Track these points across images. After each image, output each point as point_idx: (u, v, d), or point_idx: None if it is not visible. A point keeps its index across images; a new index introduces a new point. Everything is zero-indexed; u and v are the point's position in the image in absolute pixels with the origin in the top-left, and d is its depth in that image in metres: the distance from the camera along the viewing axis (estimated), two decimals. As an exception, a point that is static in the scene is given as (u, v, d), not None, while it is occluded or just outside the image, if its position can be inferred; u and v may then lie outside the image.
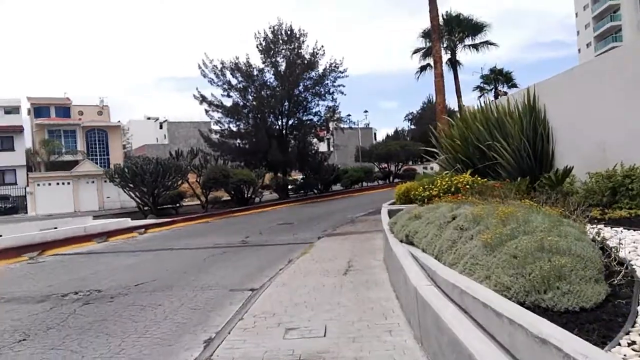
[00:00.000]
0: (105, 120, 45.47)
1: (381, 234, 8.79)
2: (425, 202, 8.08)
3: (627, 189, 5.87)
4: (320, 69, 31.05)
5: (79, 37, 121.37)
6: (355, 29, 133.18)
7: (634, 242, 3.77)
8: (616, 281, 2.99)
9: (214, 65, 29.87)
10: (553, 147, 8.70)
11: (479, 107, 10.88)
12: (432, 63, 28.57)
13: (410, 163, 47.98)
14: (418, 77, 34.75)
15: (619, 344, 2.22)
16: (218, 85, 30.42)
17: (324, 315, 5.11)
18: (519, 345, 2.42)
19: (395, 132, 71.56)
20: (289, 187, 32.75)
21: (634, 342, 2.22)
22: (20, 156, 39.67)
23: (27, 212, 33.25)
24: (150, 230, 17.30)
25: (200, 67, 29.79)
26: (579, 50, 64.64)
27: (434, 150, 12.14)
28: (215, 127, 32.64)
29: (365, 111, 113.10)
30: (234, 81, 30.48)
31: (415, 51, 34.25)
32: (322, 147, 41.53)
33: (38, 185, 34.38)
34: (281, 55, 30.79)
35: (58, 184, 35.02)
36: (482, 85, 44.58)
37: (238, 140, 31.73)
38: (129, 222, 17.91)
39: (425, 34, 31.89)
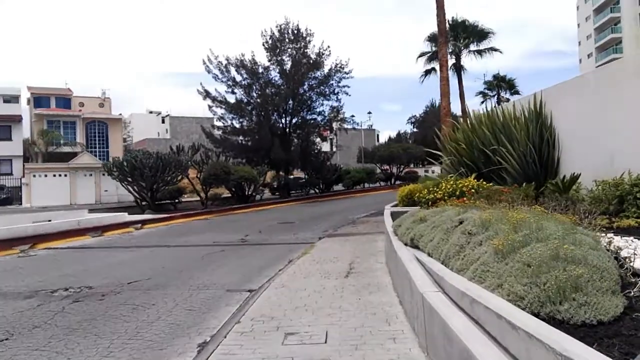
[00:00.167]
0: (106, 112, 45.33)
1: (383, 235, 8.65)
2: (430, 205, 7.95)
3: (635, 198, 5.79)
4: (326, 69, 31.14)
5: (86, 31, 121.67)
6: (360, 32, 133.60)
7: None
8: (632, 293, 2.89)
9: (219, 62, 29.86)
10: (559, 153, 8.59)
11: (485, 111, 10.80)
12: (437, 67, 28.60)
13: (412, 166, 47.99)
14: (422, 81, 34.81)
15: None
16: (222, 81, 30.43)
17: (325, 319, 4.95)
18: (538, 360, 2.27)
19: (398, 134, 71.76)
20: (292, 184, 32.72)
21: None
22: (17, 146, 39.35)
23: (21, 204, 32.83)
24: (147, 225, 17.05)
25: (204, 63, 29.77)
26: (580, 60, 65.04)
27: (438, 152, 12.02)
28: (218, 123, 32.58)
29: (369, 112, 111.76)
30: (238, 78, 30.51)
31: (421, 55, 34.36)
32: (325, 147, 41.51)
33: (34, 176, 33.79)
34: (287, 54, 30.80)
35: (55, 175, 34.47)
36: (484, 91, 44.77)
37: (240, 137, 31.66)
38: (125, 217, 17.62)
39: (431, 38, 31.90)
